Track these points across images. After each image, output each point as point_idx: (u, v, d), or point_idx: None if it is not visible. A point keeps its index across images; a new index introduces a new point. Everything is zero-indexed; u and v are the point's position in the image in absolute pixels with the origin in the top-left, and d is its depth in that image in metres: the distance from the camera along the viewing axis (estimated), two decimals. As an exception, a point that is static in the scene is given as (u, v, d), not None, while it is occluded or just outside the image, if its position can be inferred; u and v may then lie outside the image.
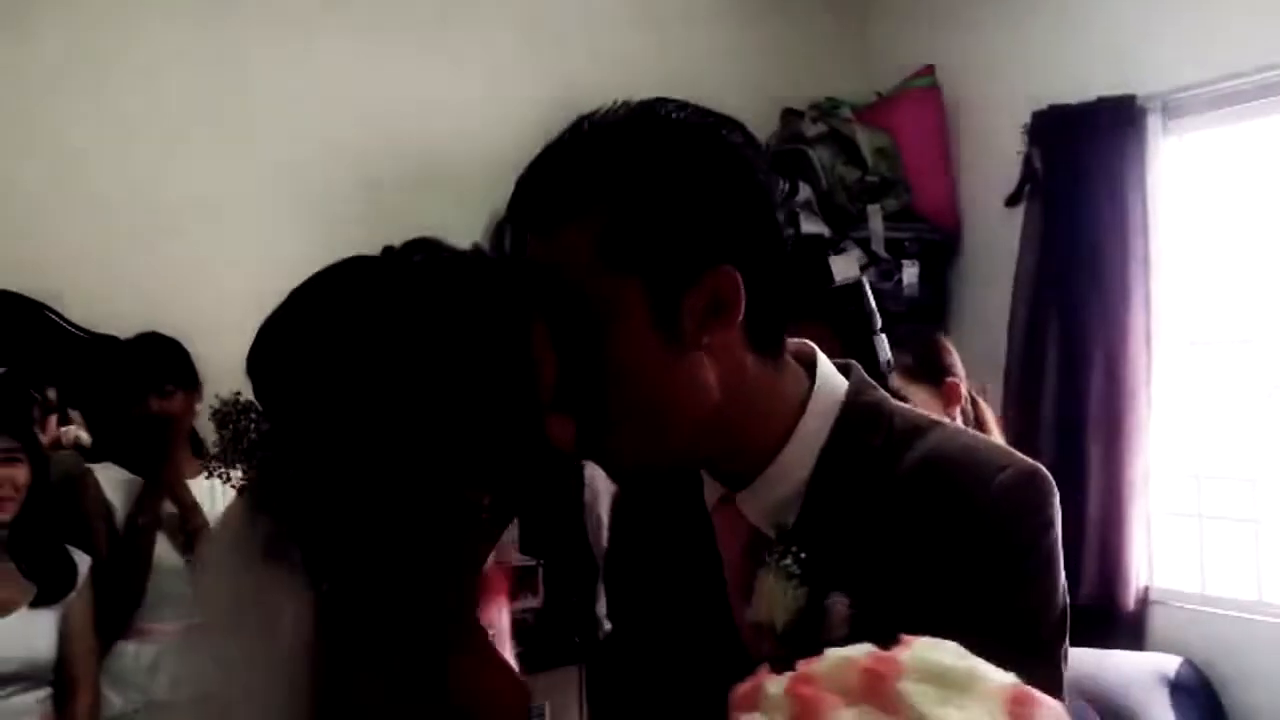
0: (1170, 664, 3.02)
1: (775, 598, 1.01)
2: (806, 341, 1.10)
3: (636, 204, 0.96)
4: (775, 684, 0.77)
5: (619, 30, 3.91)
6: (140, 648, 2.78)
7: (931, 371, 2.47)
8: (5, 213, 3.14)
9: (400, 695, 0.95)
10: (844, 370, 1.10)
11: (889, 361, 2.51)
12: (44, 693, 2.58)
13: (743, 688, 0.78)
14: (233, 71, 3.42)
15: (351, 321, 0.95)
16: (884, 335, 2.62)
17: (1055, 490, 1.01)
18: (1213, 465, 3.29)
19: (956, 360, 2.52)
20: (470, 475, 0.96)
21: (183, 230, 3.34)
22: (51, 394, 3.12)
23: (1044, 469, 1.01)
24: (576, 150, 1.00)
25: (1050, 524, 1.00)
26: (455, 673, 0.96)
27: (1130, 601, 3.24)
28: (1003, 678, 0.76)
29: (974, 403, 2.51)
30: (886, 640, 0.82)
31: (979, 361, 3.75)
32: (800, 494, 1.03)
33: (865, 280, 2.86)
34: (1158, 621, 3.28)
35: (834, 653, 0.77)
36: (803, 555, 1.01)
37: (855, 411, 1.05)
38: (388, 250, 1.02)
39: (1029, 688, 0.77)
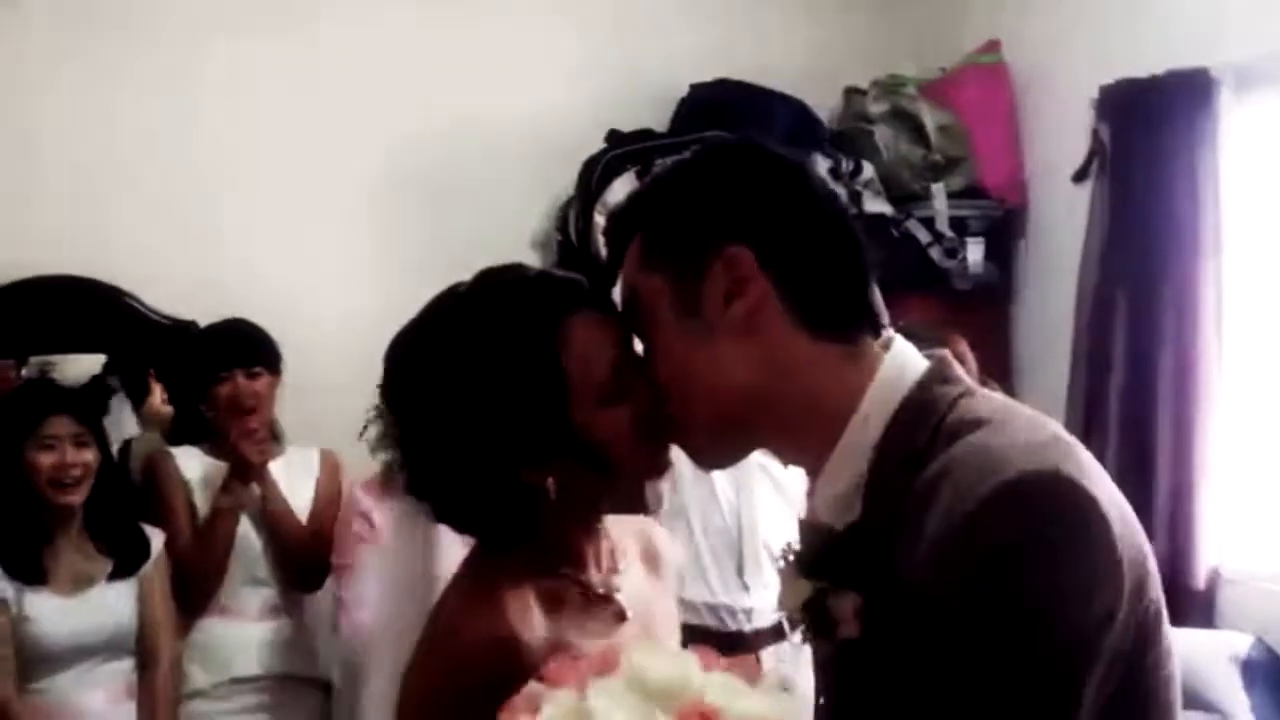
0: (1242, 643, 2.98)
1: (789, 590, 1.09)
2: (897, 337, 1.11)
3: (660, 208, 1.12)
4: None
5: (681, 13, 3.91)
6: (222, 625, 2.87)
7: None
8: (84, 203, 3.23)
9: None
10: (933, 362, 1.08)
11: None
12: (127, 663, 2.68)
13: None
14: (305, 66, 3.48)
15: (422, 343, 1.23)
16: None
17: (1052, 500, 0.90)
18: (1287, 443, 3.24)
19: (967, 352, 2.63)
20: (524, 460, 1.19)
21: (256, 220, 3.42)
22: (150, 377, 3.23)
23: (1049, 475, 0.90)
24: (639, 189, 1.22)
25: (1026, 541, 0.88)
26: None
27: (1201, 580, 3.20)
28: (702, 690, 0.97)
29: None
30: (891, 646, 0.94)
31: (1045, 339, 3.73)
32: (859, 490, 1.03)
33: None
34: (1229, 600, 3.23)
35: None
36: (798, 549, 1.09)
37: (910, 408, 1.03)
38: (453, 287, 1.26)
39: (713, 707, 0.93)
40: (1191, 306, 3.24)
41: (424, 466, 1.22)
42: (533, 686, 1.05)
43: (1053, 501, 0.90)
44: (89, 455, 2.62)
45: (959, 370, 1.07)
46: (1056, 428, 1.01)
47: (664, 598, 1.41)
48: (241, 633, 2.88)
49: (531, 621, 1.19)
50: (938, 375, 1.06)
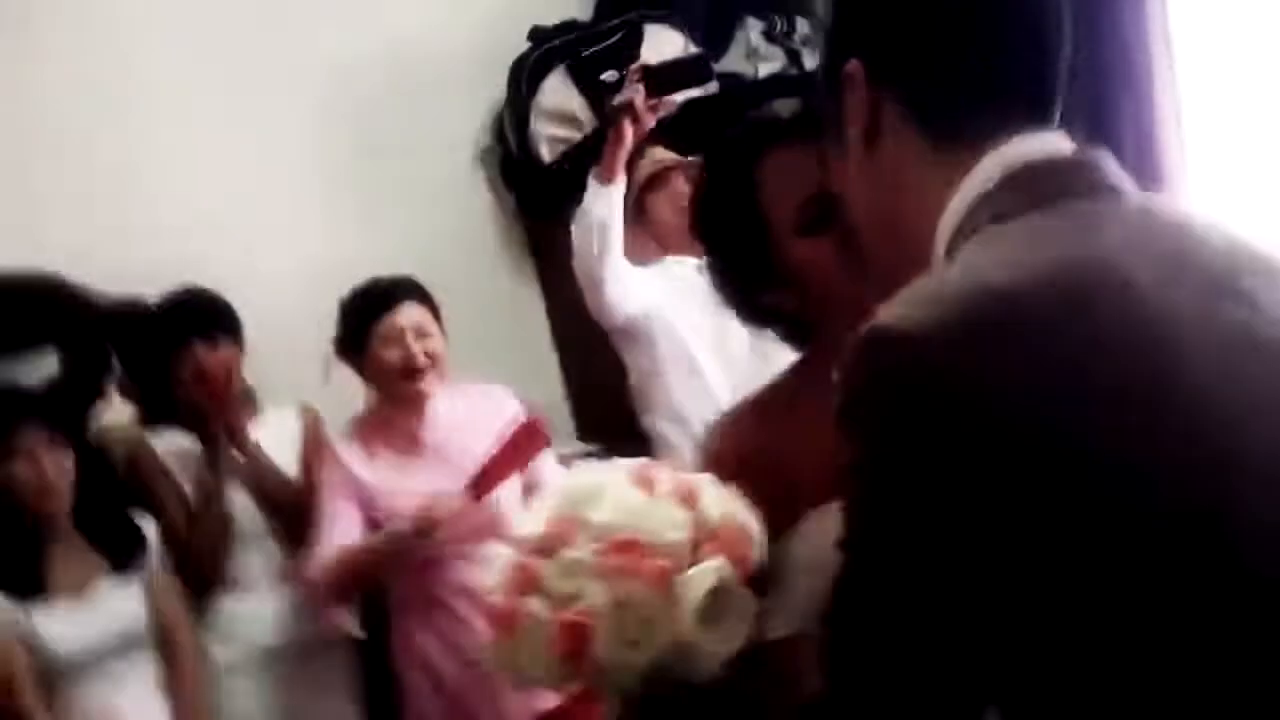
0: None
1: None
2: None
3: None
4: None
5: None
6: (237, 600, 2.82)
7: None
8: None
9: None
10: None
11: None
12: (149, 657, 2.60)
13: None
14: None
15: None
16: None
17: (870, 361, 0.83)
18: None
19: None
20: (760, 285, 1.34)
21: (188, 172, 3.28)
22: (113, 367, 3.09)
23: (880, 332, 0.83)
24: None
25: (846, 404, 0.84)
26: None
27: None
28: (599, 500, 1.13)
29: None
30: None
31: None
32: None
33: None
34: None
35: None
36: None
37: (960, 230, 0.92)
38: None
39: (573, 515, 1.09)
40: (1149, 110, 3.18)
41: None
42: None
43: (871, 362, 0.83)
44: (64, 459, 2.54)
45: (1062, 175, 0.92)
46: (1026, 276, 0.83)
47: None
48: (257, 605, 2.83)
49: (789, 434, 1.26)
50: (1010, 181, 0.91)
